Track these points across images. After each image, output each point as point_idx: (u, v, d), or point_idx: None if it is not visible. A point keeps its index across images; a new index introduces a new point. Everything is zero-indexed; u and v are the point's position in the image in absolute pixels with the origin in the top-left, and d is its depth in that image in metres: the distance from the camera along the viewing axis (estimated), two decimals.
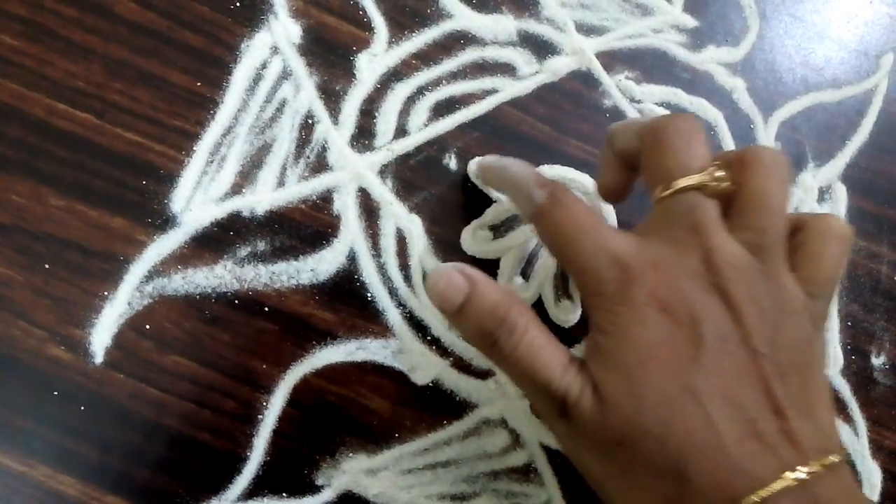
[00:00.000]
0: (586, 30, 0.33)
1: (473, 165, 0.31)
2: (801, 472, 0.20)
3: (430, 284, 0.26)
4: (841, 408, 0.33)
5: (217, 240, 0.29)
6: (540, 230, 0.25)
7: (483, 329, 0.24)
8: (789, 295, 0.23)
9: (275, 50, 0.31)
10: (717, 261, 0.22)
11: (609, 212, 0.32)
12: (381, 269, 0.30)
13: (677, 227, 0.23)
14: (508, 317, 0.24)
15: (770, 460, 0.20)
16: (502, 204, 0.31)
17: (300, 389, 0.29)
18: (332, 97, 0.31)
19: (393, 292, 0.30)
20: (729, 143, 0.34)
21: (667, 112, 0.33)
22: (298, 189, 0.30)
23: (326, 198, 0.30)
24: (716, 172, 0.23)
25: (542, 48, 0.33)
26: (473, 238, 0.31)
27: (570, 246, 0.24)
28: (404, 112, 0.31)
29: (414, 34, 0.32)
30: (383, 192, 0.31)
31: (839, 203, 0.34)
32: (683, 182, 0.23)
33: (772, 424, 0.21)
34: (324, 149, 0.30)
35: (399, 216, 0.30)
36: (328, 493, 0.28)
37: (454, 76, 0.32)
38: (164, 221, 0.29)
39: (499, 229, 0.31)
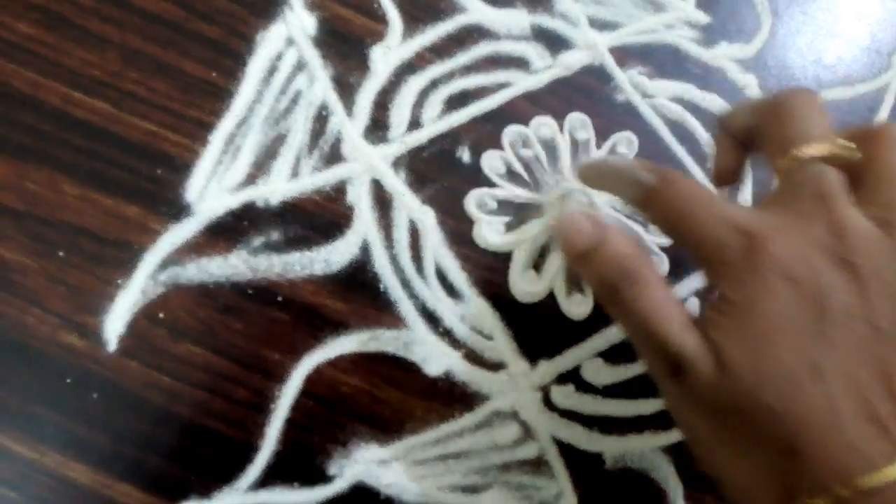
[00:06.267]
0: (599, 25, 0.34)
1: (576, 172, 0.30)
2: None
3: (557, 227, 0.25)
4: None
5: (231, 229, 0.29)
6: (654, 212, 0.25)
7: (605, 278, 0.24)
8: None
9: (290, 41, 0.31)
10: (844, 233, 0.22)
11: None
12: (394, 260, 0.30)
13: (802, 197, 0.23)
14: (633, 269, 0.23)
15: (884, 445, 0.20)
16: (514, 198, 0.31)
17: (312, 379, 0.29)
18: (346, 89, 0.31)
19: (405, 283, 0.30)
20: None
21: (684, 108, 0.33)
22: (312, 180, 0.30)
23: (340, 189, 0.30)
24: (842, 142, 0.23)
25: (555, 43, 0.33)
26: (486, 231, 0.31)
27: (689, 220, 0.23)
28: (418, 104, 0.31)
29: (428, 27, 0.32)
30: (396, 184, 0.31)
31: None
32: (810, 150, 0.23)
33: (886, 407, 0.21)
34: (338, 140, 0.31)
35: (412, 208, 0.30)
36: (340, 483, 0.28)
37: (467, 69, 0.32)
38: (179, 210, 0.29)
39: (511, 222, 0.31)
